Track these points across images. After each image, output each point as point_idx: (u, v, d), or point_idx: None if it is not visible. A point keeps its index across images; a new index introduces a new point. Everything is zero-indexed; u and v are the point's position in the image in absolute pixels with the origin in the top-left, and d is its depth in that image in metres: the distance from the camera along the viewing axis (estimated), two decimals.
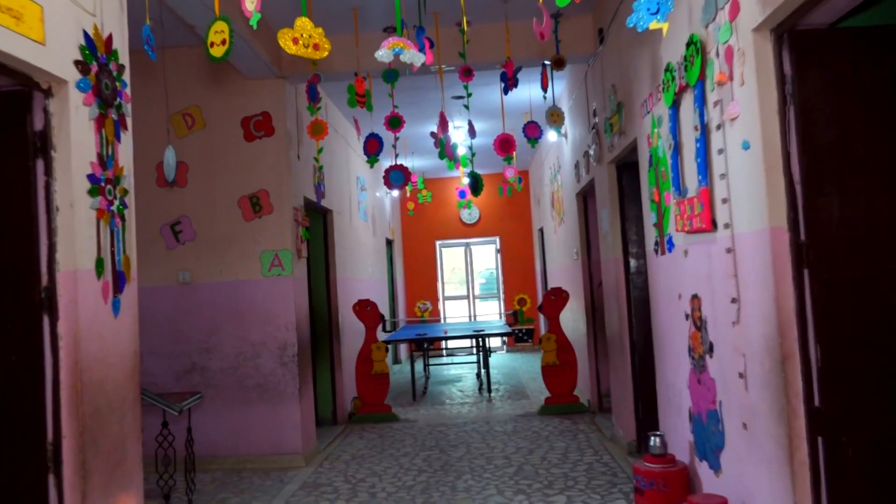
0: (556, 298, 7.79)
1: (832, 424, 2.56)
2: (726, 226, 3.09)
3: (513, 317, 12.68)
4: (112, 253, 3.00)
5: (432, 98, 7.90)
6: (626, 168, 5.47)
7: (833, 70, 2.62)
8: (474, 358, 11.50)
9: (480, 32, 5.83)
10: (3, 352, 2.67)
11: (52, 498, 2.64)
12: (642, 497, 3.87)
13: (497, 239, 13.85)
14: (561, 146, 8.50)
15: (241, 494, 5.17)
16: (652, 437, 3.92)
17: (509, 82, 5.30)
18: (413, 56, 2.96)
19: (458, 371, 11.22)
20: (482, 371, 9.65)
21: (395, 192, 12.64)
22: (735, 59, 2.86)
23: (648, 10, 2.81)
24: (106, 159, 2.99)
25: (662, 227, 4.16)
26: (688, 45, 3.31)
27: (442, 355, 12.67)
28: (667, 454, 3.88)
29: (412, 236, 13.90)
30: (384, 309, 10.90)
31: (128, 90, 3.23)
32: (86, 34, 2.90)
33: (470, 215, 13.74)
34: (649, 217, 4.48)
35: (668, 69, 3.67)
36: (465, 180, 7.74)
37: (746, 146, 2.80)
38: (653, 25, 2.84)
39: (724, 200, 3.09)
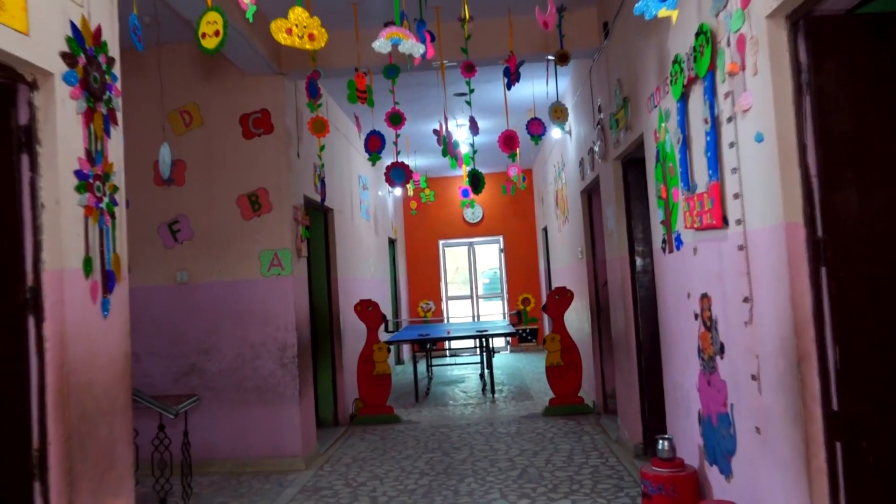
0: (561, 298, 7.67)
1: (851, 429, 2.44)
2: (738, 222, 2.97)
3: (516, 317, 12.57)
4: (101, 252, 2.90)
5: (434, 95, 7.79)
6: (632, 164, 5.36)
7: (851, 58, 2.50)
8: (478, 358, 11.39)
9: (483, 27, 5.72)
10: None
11: None
12: (650, 502, 3.75)
13: (500, 238, 13.74)
14: (565, 143, 8.38)
15: (239, 498, 5.07)
16: (660, 441, 3.80)
17: (512, 77, 5.19)
18: (412, 46, 2.85)
19: (462, 372, 11.11)
20: (485, 372, 9.55)
21: (398, 191, 12.55)
22: (748, 48, 2.74)
23: None
24: (95, 155, 2.89)
25: (670, 224, 4.04)
26: (697, 34, 3.20)
27: (445, 356, 12.56)
28: (675, 458, 3.77)
29: (415, 236, 13.80)
30: (386, 309, 10.80)
31: (118, 84, 3.13)
32: (73, 25, 2.80)
33: (473, 214, 13.64)
34: (656, 214, 4.36)
35: (676, 61, 3.55)
36: (467, 180, 7.63)
37: (760, 138, 2.69)
38: (661, 13, 2.74)
39: (736, 196, 2.97)
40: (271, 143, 5.92)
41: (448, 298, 13.91)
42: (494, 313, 13.86)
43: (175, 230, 5.92)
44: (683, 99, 3.54)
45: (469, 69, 5.24)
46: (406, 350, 12.66)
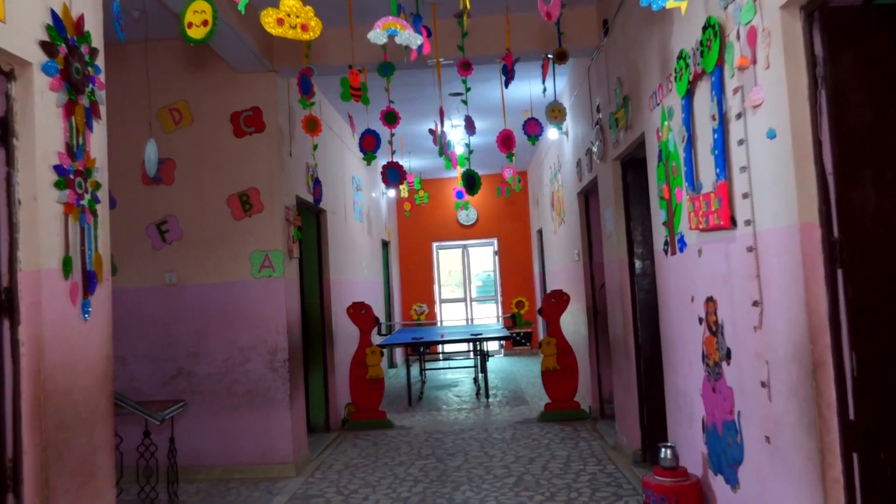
0: (557, 301, 7.56)
1: (869, 439, 2.33)
2: (747, 222, 2.86)
3: (511, 320, 12.44)
4: (82, 251, 2.76)
5: (429, 95, 7.67)
6: (632, 165, 5.25)
7: (868, 50, 2.39)
8: (471, 362, 11.27)
9: (479, 25, 5.60)
10: None
11: None
12: None
13: (495, 240, 13.63)
14: (561, 144, 8.27)
15: None
16: (663, 449, 3.69)
17: (508, 75, 5.07)
18: (409, 38, 2.73)
19: (455, 375, 10.98)
20: (480, 375, 9.42)
21: (392, 193, 12.43)
22: (759, 41, 2.63)
23: None
24: (76, 149, 2.75)
25: (673, 225, 3.93)
26: (704, 28, 3.09)
27: (438, 359, 12.42)
28: (679, 467, 3.65)
29: (408, 238, 13.67)
30: (379, 312, 10.66)
31: (101, 76, 2.99)
32: (53, 13, 2.66)
33: (467, 216, 13.52)
34: (658, 215, 4.25)
35: (681, 56, 3.45)
36: (461, 181, 7.46)
37: (772, 135, 2.58)
38: (670, 4, 2.62)
39: (745, 195, 2.86)
40: (263, 142, 5.79)
41: (441, 301, 13.78)
42: (488, 316, 13.73)
43: (164, 230, 5.77)
44: (688, 96, 3.44)
45: (465, 67, 5.12)
46: (399, 353, 12.52)
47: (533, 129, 5.70)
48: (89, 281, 2.79)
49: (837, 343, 2.39)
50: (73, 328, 2.68)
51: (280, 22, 2.69)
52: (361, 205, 9.82)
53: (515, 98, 7.73)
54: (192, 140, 5.81)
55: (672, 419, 4.29)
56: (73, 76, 2.75)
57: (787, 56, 2.47)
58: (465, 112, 5.85)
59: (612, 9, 5.07)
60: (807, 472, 2.49)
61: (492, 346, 12.92)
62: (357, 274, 9.09)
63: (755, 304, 2.84)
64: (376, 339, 8.53)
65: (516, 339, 12.50)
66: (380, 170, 11.24)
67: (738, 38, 2.82)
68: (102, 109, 2.99)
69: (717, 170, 3.08)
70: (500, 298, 13.52)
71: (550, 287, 10.15)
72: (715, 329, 3.34)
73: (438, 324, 13.25)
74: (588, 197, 7.12)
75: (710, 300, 3.40)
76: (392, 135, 5.40)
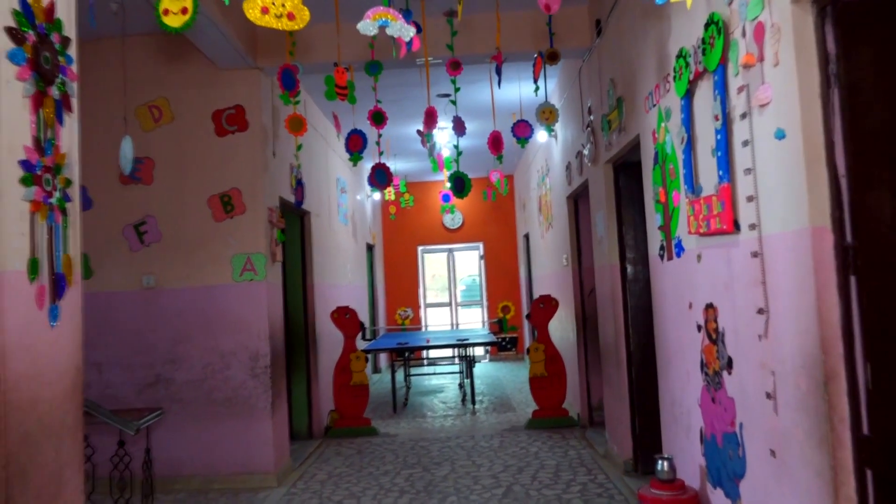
0: (546, 307, 7.44)
1: (884, 455, 2.21)
2: (752, 227, 2.75)
3: (497, 325, 12.31)
4: (50, 252, 2.59)
5: (416, 96, 7.54)
6: (624, 168, 5.14)
7: (884, 47, 2.28)
8: (457, 367, 11.12)
9: (468, 23, 5.48)
10: None
11: None
12: None
13: (480, 245, 13.50)
14: (550, 148, 8.16)
15: None
16: (659, 461, 3.56)
17: (499, 74, 4.95)
18: (401, 29, 2.59)
19: (440, 381, 10.83)
20: (465, 381, 9.27)
21: (377, 196, 12.27)
22: (767, 37, 2.52)
23: None
24: (44, 144, 2.58)
25: (669, 229, 3.82)
26: (707, 25, 2.98)
27: (423, 364, 12.26)
28: (676, 479, 3.53)
29: (393, 241, 13.50)
30: (364, 316, 10.48)
31: (74, 67, 2.82)
32: None
33: (453, 220, 13.38)
34: (653, 219, 4.14)
35: (681, 55, 3.33)
36: (447, 184, 7.30)
37: (781, 135, 2.46)
38: None
39: (750, 198, 2.75)
40: (246, 141, 5.62)
41: (427, 306, 13.62)
42: (474, 321, 13.60)
43: (142, 232, 5.58)
44: (688, 96, 3.32)
45: (455, 67, 4.99)
46: (383, 358, 12.35)
47: (523, 131, 5.57)
48: (58, 284, 2.61)
49: (850, 354, 2.27)
50: (39, 335, 2.50)
51: (265, 11, 2.54)
52: (346, 207, 9.65)
53: (504, 100, 7.61)
54: (173, 138, 5.62)
55: (667, 429, 4.17)
56: (43, 66, 2.57)
57: (798, 53, 2.35)
58: (454, 113, 5.72)
59: (606, 8, 4.96)
60: (816, 489, 2.37)
61: (477, 351, 12.77)
62: (341, 278, 8.92)
63: (760, 311, 2.72)
64: (361, 345, 8.36)
65: (502, 344, 12.38)
66: (365, 172, 11.09)
67: (744, 34, 2.70)
68: (74, 102, 2.82)
69: (720, 172, 2.96)
70: (485, 303, 13.39)
71: (537, 292, 10.03)
72: (715, 337, 3.23)
73: (423, 328, 13.08)
74: (577, 201, 7.01)
75: (709, 307, 3.28)
76: (380, 135, 5.26)
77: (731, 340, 3.06)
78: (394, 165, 10.82)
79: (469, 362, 8.93)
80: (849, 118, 2.28)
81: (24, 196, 2.46)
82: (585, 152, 5.83)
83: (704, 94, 3.15)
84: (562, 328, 7.85)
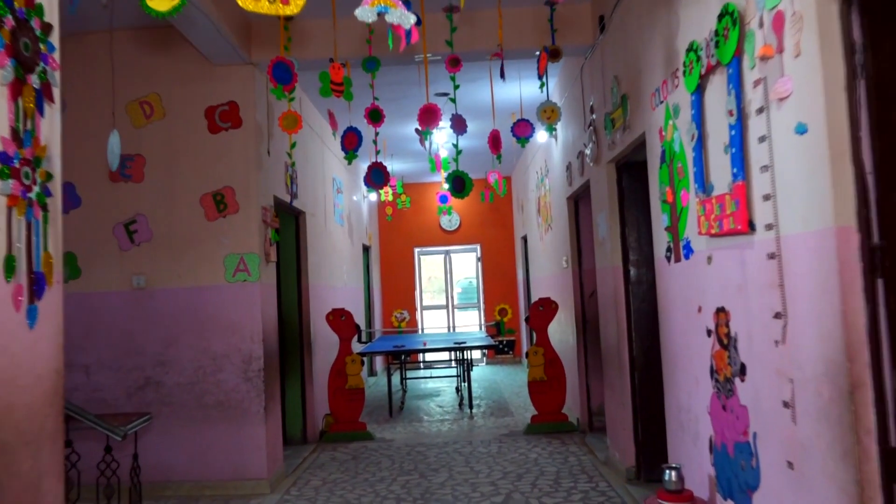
0: (545, 309, 7.30)
1: None
2: (769, 227, 2.62)
3: (494, 328, 12.18)
4: (29, 250, 2.44)
5: (414, 94, 7.41)
6: (628, 168, 5.01)
7: None
8: (454, 371, 10.98)
9: (468, 19, 5.35)
10: None
11: None
12: None
13: (478, 247, 13.37)
14: (549, 148, 8.04)
15: None
16: (667, 471, 3.42)
17: (501, 70, 4.82)
18: (401, 16, 2.46)
19: (436, 385, 10.68)
20: (462, 385, 9.13)
21: (373, 197, 12.12)
22: (787, 27, 2.39)
23: None
24: (22, 135, 2.43)
25: (677, 230, 3.69)
26: (721, 16, 2.85)
27: (419, 368, 12.11)
28: (684, 490, 3.40)
29: (390, 243, 13.36)
30: (360, 319, 10.34)
31: (56, 55, 2.67)
32: None
33: (450, 222, 13.25)
34: (659, 220, 4.01)
35: (691, 49, 3.21)
36: (445, 185, 7.16)
37: (802, 130, 2.33)
38: None
39: (767, 197, 2.62)
40: (239, 139, 5.47)
41: (423, 308, 13.48)
42: (471, 324, 13.46)
43: (132, 231, 5.43)
44: (699, 91, 3.20)
45: (454, 63, 4.86)
46: (379, 361, 12.20)
47: (523, 130, 5.43)
48: (37, 284, 2.47)
49: (877, 361, 2.14)
50: (15, 337, 2.35)
51: None
52: (342, 208, 9.51)
53: (503, 99, 7.48)
54: (164, 135, 5.48)
55: (673, 436, 4.04)
56: (22, 52, 2.43)
57: (822, 43, 2.23)
58: (453, 111, 5.58)
59: (610, 4, 4.84)
60: None
61: (474, 354, 12.63)
62: (337, 279, 8.77)
63: (777, 316, 2.59)
64: (356, 347, 8.21)
65: (500, 347, 12.25)
66: (361, 173, 10.94)
67: (762, 24, 2.58)
68: (56, 92, 2.67)
69: (734, 169, 2.83)
70: (482, 306, 13.25)
71: (535, 295, 9.90)
72: (727, 342, 3.10)
73: (420, 331, 12.94)
74: (578, 202, 6.89)
75: (721, 311, 3.15)
76: (377, 134, 5.12)
77: (744, 346, 2.93)
78: (391, 166, 10.68)
79: (466, 365, 8.79)
80: (876, 112, 2.15)
81: (1, 190, 2.31)
82: (587, 152, 5.70)
83: (717, 89, 3.02)
84: (561, 331, 7.72)
